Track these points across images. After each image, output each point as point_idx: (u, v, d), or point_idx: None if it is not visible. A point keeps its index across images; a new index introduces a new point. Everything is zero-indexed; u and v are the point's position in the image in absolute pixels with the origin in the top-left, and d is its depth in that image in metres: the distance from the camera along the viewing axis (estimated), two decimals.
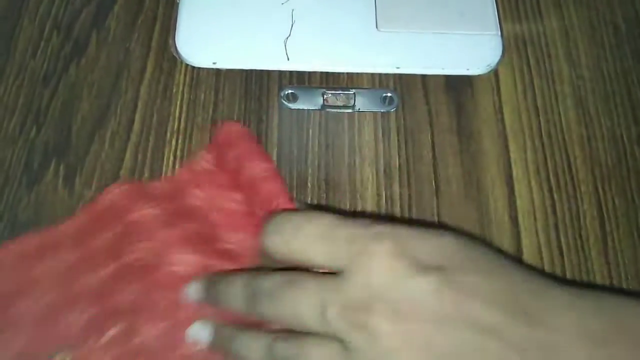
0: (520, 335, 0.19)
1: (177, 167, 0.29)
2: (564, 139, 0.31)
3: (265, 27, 0.33)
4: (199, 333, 0.23)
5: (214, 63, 0.32)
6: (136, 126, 0.30)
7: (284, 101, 0.31)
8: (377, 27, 0.33)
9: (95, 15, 0.34)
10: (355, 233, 0.20)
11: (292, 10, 0.33)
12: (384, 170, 0.30)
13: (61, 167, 0.29)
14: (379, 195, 0.29)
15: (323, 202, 0.29)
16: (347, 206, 0.29)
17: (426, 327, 0.19)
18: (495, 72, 0.32)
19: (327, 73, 0.32)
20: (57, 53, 0.32)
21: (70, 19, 0.34)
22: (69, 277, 0.25)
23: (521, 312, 0.19)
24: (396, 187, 0.29)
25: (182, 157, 0.30)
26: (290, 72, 0.32)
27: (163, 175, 0.29)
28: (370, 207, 0.29)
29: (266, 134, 0.30)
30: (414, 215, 0.28)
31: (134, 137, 0.30)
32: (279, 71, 0.32)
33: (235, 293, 0.22)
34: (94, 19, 0.34)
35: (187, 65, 0.32)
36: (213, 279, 0.24)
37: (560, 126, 0.31)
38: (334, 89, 0.31)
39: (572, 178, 0.30)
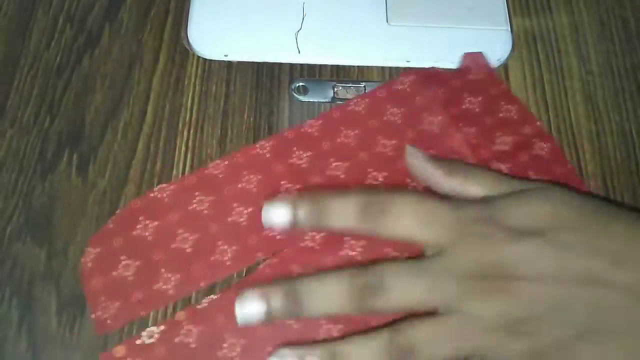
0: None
1: (188, 157, 0.30)
2: (573, 133, 0.31)
3: (277, 20, 0.33)
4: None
5: (226, 55, 0.32)
6: (148, 117, 0.31)
7: (294, 94, 0.31)
8: (387, 21, 0.33)
9: (108, 8, 0.34)
10: (458, 216, 0.23)
11: (303, 3, 0.33)
12: None
13: (75, 157, 0.30)
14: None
15: None
16: None
17: (546, 288, 0.21)
18: (504, 67, 0.33)
19: (337, 66, 0.32)
20: (70, 45, 0.33)
21: (83, 12, 0.34)
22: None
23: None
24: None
25: (193, 148, 0.30)
26: (301, 64, 0.32)
27: (174, 165, 0.29)
28: None
29: (277, 126, 0.31)
30: None
31: (146, 128, 0.30)
32: (290, 64, 0.32)
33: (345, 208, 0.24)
34: (106, 12, 0.34)
35: (199, 57, 0.32)
36: (311, 195, 0.25)
37: (569, 121, 0.31)
38: (345, 81, 0.32)
39: (580, 172, 0.30)
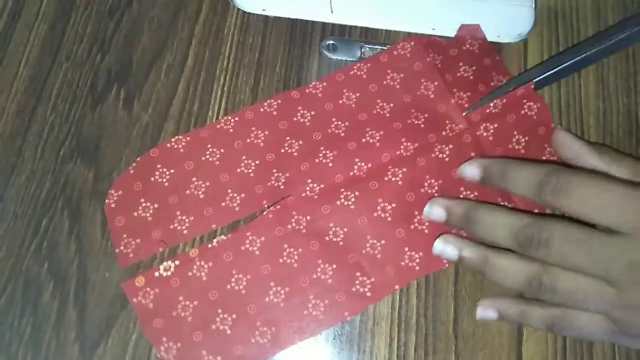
0: None
1: (223, 100, 0.33)
2: (580, 109, 0.33)
3: None
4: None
5: (264, 10, 0.34)
6: (189, 61, 0.34)
7: (324, 51, 0.34)
8: None
9: None
10: None
11: None
12: None
13: (122, 92, 0.33)
14: None
15: None
16: None
17: None
18: (524, 42, 0.34)
19: (366, 28, 0.34)
20: None
21: None
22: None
23: None
24: None
25: (228, 93, 0.33)
26: (333, 24, 0.34)
27: (210, 107, 0.32)
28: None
29: (305, 79, 0.33)
30: None
31: (187, 71, 0.33)
32: (322, 22, 0.35)
33: (525, 181, 0.26)
34: None
35: (238, 9, 0.35)
36: (501, 162, 0.28)
37: (579, 98, 0.33)
38: (372, 43, 0.34)
39: None
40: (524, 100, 0.32)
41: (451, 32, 0.34)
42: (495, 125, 0.31)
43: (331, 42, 0.34)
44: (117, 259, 0.29)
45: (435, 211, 0.29)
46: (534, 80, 0.31)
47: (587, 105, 0.33)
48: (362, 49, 0.34)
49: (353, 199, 0.30)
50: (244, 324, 0.28)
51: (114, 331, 0.28)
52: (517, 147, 0.31)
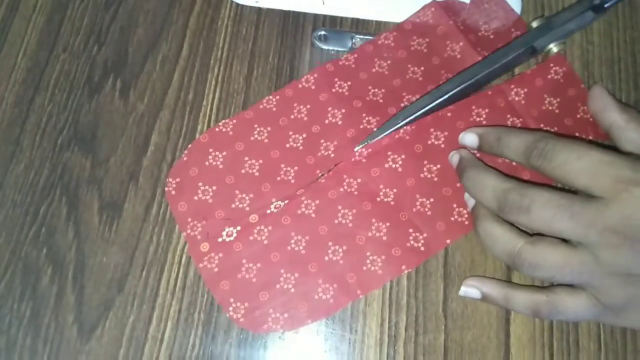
0: None
1: (217, 90, 0.33)
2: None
3: None
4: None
5: (256, 1, 0.35)
6: (184, 52, 0.34)
7: (316, 41, 0.35)
8: None
9: None
10: (622, 174, 0.24)
11: None
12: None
13: (118, 82, 0.33)
14: None
15: None
16: None
17: None
18: None
19: (357, 19, 0.35)
20: None
21: None
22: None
23: None
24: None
25: (222, 82, 0.34)
26: (324, 15, 0.35)
27: (205, 96, 0.33)
28: None
29: (298, 69, 0.34)
30: None
31: (181, 62, 0.34)
32: (314, 14, 0.35)
33: (516, 146, 0.27)
34: None
35: (232, 1, 0.35)
36: (495, 130, 0.29)
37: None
38: (362, 34, 0.35)
39: None
40: (551, 65, 0.33)
41: None
42: (526, 90, 0.33)
43: (323, 32, 0.35)
44: (187, 242, 0.30)
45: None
46: (414, 116, 0.32)
47: None
48: (353, 40, 0.35)
49: (400, 162, 0.31)
50: (307, 282, 0.29)
51: (111, 314, 0.29)
52: (550, 107, 0.32)
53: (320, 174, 0.31)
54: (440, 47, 0.34)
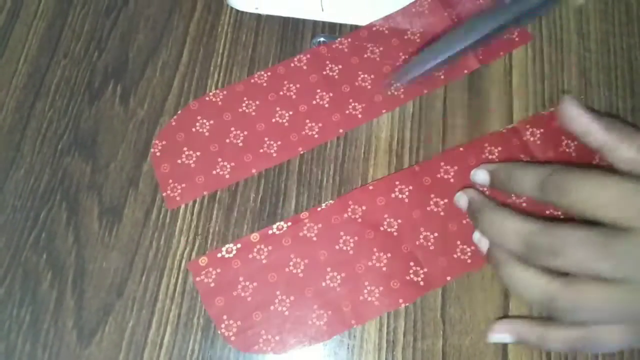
0: None
1: None
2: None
3: None
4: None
5: (256, 8, 0.35)
6: (184, 58, 0.34)
7: (315, 47, 0.35)
8: None
9: None
10: None
11: None
12: (399, 116, 0.33)
13: (118, 88, 0.34)
14: (391, 137, 0.33)
15: (342, 140, 0.33)
16: (362, 143, 0.33)
17: None
18: None
19: (356, 25, 0.35)
20: None
21: None
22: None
23: None
24: (407, 132, 0.33)
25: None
26: (323, 22, 0.36)
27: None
28: (383, 146, 0.33)
29: None
30: (421, 157, 0.32)
31: (182, 68, 0.34)
32: (313, 20, 0.36)
33: (530, 181, 0.26)
34: None
35: (232, 8, 0.36)
36: (507, 165, 0.29)
37: (562, 92, 0.34)
38: None
39: None
40: None
41: None
42: (542, 130, 0.32)
43: (321, 39, 0.35)
44: (165, 202, 0.31)
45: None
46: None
47: None
48: None
49: (407, 193, 0.31)
50: (302, 306, 0.29)
51: (110, 319, 0.29)
52: (567, 150, 0.32)
53: (301, 151, 0.32)
54: (432, 34, 0.34)
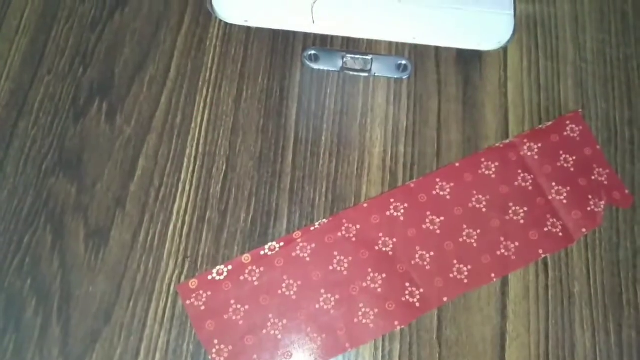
0: None
1: (206, 112, 0.33)
2: (560, 114, 0.33)
3: None
4: None
5: (246, 21, 0.35)
6: (172, 73, 0.34)
7: (306, 61, 0.34)
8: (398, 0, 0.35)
9: None
10: None
11: None
12: (392, 131, 0.33)
13: (104, 105, 0.33)
14: (385, 152, 0.32)
15: (335, 156, 0.32)
16: (355, 160, 0.32)
17: None
18: (504, 49, 0.35)
19: (348, 38, 0.35)
20: (104, 0, 0.35)
21: None
22: None
23: None
24: (402, 147, 0.32)
25: (211, 105, 0.33)
26: (315, 34, 0.35)
27: (193, 119, 0.32)
28: (376, 162, 0.32)
29: (288, 90, 0.33)
30: (415, 173, 0.32)
31: (169, 83, 0.33)
32: (304, 33, 0.35)
33: None
34: None
35: (220, 21, 0.35)
36: None
37: (558, 103, 0.34)
38: (354, 52, 0.34)
39: None
40: (567, 122, 0.32)
41: (431, 41, 0.34)
42: (540, 145, 0.32)
43: (313, 52, 0.34)
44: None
45: None
46: None
47: (566, 110, 0.33)
48: (344, 59, 0.34)
49: (402, 211, 0.30)
50: (295, 329, 0.28)
51: (98, 346, 0.28)
52: (565, 165, 0.31)
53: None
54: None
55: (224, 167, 0.32)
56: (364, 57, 0.34)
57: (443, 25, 0.35)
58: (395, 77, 0.34)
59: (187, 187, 0.31)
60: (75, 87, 0.33)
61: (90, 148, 0.32)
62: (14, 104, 0.33)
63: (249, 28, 0.35)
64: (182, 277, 0.29)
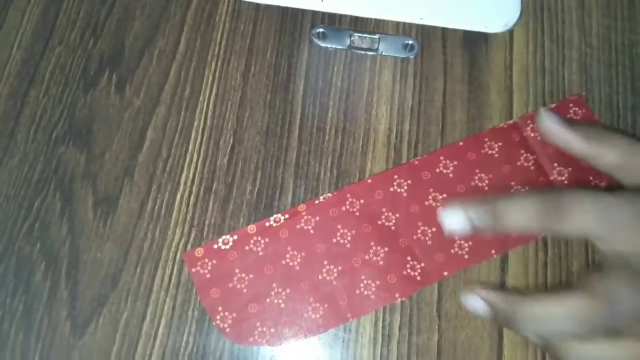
0: None
1: (214, 86, 0.33)
2: (564, 98, 0.34)
3: None
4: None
5: None
6: (181, 47, 0.34)
7: (314, 39, 0.34)
8: None
9: None
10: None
11: None
12: (398, 109, 0.33)
13: (114, 76, 0.33)
14: (390, 130, 0.33)
15: (340, 132, 0.33)
16: (361, 136, 0.32)
17: None
18: (510, 32, 0.35)
19: (356, 17, 0.35)
20: None
21: None
22: None
23: None
24: (406, 125, 0.33)
25: (219, 79, 0.33)
26: (323, 12, 0.35)
27: (201, 92, 0.33)
28: (381, 139, 0.32)
29: (296, 67, 0.34)
30: (420, 151, 0.32)
31: (178, 57, 0.34)
32: (313, 11, 0.35)
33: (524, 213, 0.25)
34: None
35: None
36: (486, 203, 0.26)
37: (562, 87, 0.34)
38: (361, 32, 0.35)
39: None
40: (570, 105, 0.33)
41: (438, 22, 0.35)
42: None
43: (321, 30, 0.35)
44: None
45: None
46: None
47: (570, 94, 0.34)
48: (352, 37, 0.34)
49: (405, 187, 0.31)
50: (298, 299, 0.29)
51: (105, 310, 0.29)
52: None
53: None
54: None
55: (231, 140, 0.32)
56: (372, 36, 0.34)
57: (450, 7, 0.35)
58: (402, 56, 0.34)
59: (195, 159, 0.32)
60: (86, 58, 0.34)
61: (100, 118, 0.32)
62: (25, 73, 0.33)
63: (258, 5, 0.35)
64: (189, 246, 0.30)
